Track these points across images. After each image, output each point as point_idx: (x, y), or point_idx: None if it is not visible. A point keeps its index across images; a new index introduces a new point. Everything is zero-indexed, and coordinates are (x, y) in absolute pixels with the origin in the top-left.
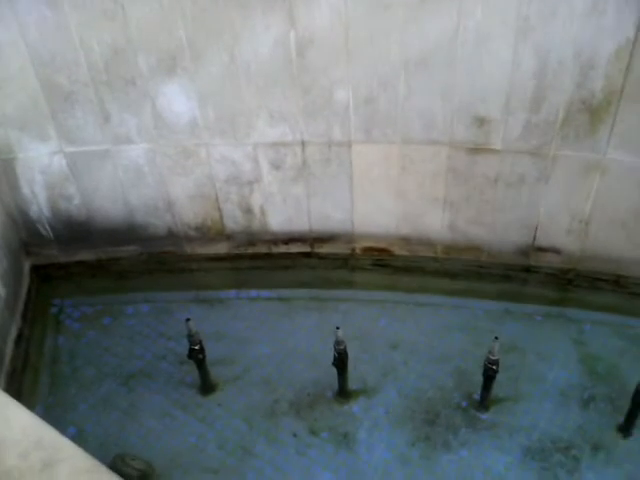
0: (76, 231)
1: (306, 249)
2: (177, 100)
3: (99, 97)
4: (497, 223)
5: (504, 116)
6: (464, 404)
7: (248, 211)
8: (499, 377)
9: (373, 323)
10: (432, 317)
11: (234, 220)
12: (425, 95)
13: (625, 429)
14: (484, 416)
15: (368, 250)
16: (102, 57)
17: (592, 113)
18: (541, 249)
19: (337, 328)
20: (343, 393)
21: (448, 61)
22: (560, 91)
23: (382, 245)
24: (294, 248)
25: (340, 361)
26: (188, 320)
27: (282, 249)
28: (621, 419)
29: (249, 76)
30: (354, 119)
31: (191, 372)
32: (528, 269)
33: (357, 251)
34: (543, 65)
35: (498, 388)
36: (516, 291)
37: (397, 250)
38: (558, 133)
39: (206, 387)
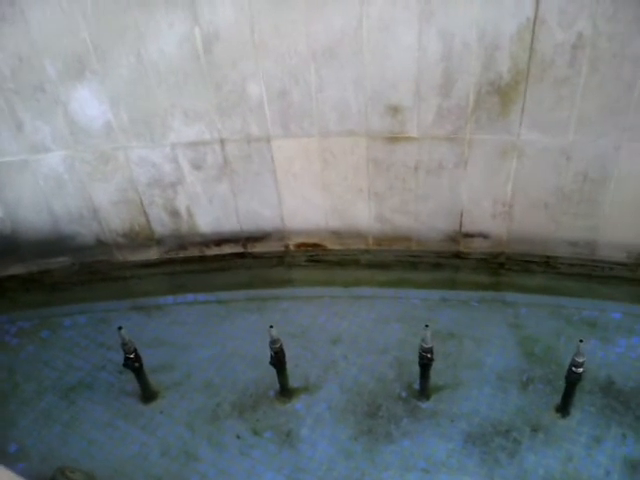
0: (3, 245)
1: (239, 249)
2: (89, 104)
3: (10, 106)
4: (422, 211)
5: (416, 103)
6: (404, 394)
7: (175, 214)
8: (438, 365)
9: (313, 320)
10: (370, 310)
11: (162, 224)
12: (337, 86)
13: (563, 409)
14: (425, 405)
15: (301, 246)
16: (7, 64)
17: (502, 95)
18: (469, 235)
19: (270, 327)
20: (284, 391)
21: (355, 50)
22: (468, 74)
23: (314, 240)
24: (227, 249)
25: (277, 360)
26: (120, 329)
27: (214, 251)
28: (559, 399)
29: (159, 75)
30: (270, 114)
31: (131, 381)
32: (459, 255)
33: (291, 248)
34: (449, 49)
35: (438, 376)
36: (450, 278)
37: (330, 244)
38: (471, 117)
39: (147, 395)
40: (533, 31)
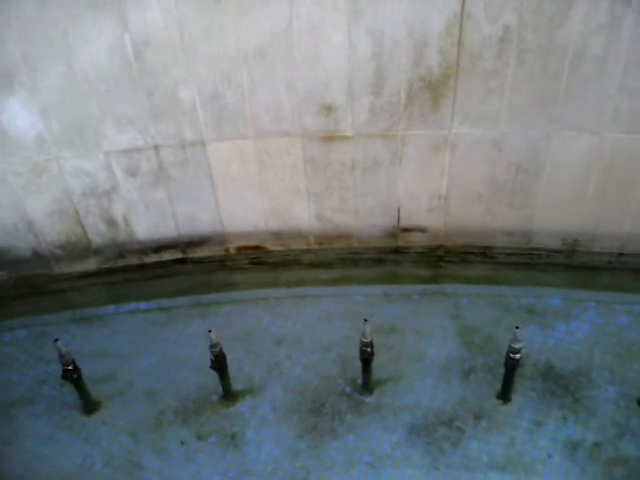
0: None
1: (178, 255)
2: (20, 116)
3: None
4: (361, 208)
5: (349, 101)
6: (348, 390)
7: (111, 222)
8: (381, 359)
9: (256, 322)
10: (313, 309)
11: (99, 233)
12: (270, 87)
13: (504, 395)
14: (368, 399)
15: (242, 249)
16: None
17: (433, 90)
18: (407, 229)
19: (209, 331)
20: (228, 395)
21: (286, 51)
22: (399, 71)
23: (255, 243)
24: (166, 255)
25: (218, 363)
26: (56, 341)
27: (154, 258)
28: (499, 386)
29: (90, 84)
30: (203, 117)
31: (73, 393)
32: (398, 250)
33: (231, 251)
34: (379, 47)
35: (381, 370)
36: (391, 273)
37: (270, 246)
38: (403, 113)
39: (89, 406)
40: (460, 26)
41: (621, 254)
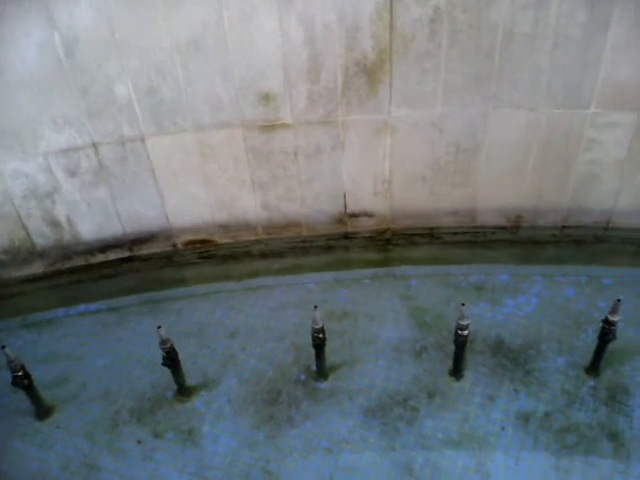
0: None
1: (125, 254)
2: None
3: None
4: (307, 196)
5: (287, 89)
6: (303, 377)
7: (55, 224)
8: (335, 344)
9: (209, 316)
10: (266, 299)
11: (42, 236)
12: (206, 78)
13: (456, 372)
14: (323, 385)
15: (190, 243)
16: None
17: (369, 74)
18: (354, 215)
19: (158, 327)
20: (182, 391)
21: (219, 41)
22: (333, 56)
23: (202, 236)
24: (112, 255)
25: (170, 360)
26: (3, 347)
27: (100, 258)
28: (451, 363)
29: (22, 85)
30: (140, 112)
31: (26, 399)
32: (347, 236)
33: (179, 246)
34: (311, 33)
35: (335, 355)
36: (341, 259)
37: (219, 239)
38: (341, 99)
39: (42, 411)
40: (391, 9)
41: (564, 227)
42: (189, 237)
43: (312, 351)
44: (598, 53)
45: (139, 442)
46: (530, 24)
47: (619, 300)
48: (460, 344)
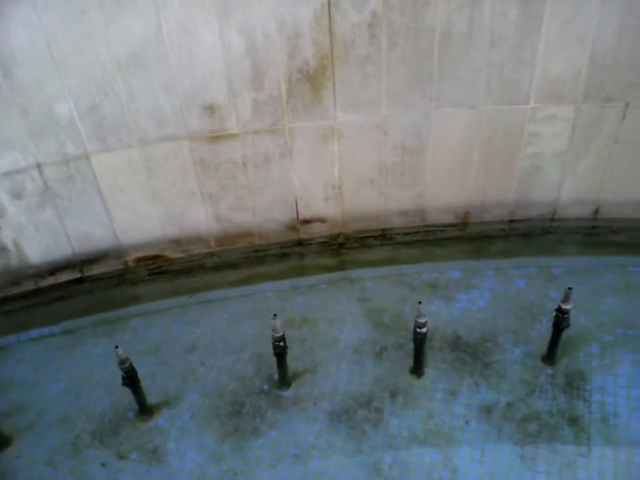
0: None
1: (76, 275)
2: None
3: None
4: (258, 205)
5: (231, 99)
6: (266, 387)
7: (1, 249)
8: (295, 352)
9: (165, 333)
10: (223, 311)
11: None
12: (148, 93)
13: (417, 370)
14: (287, 393)
15: (141, 260)
16: None
17: (312, 81)
18: (306, 221)
19: (116, 347)
20: (144, 410)
21: (160, 55)
22: (276, 65)
23: (154, 252)
24: (63, 277)
25: (129, 379)
26: None
27: (50, 281)
28: (412, 362)
29: None
30: (84, 130)
31: None
32: (301, 243)
33: (130, 264)
34: (252, 42)
35: (296, 362)
36: (297, 266)
37: (171, 253)
38: (287, 107)
39: (0, 442)
40: (329, 15)
41: (511, 221)
42: (140, 254)
43: (273, 360)
44: (533, 49)
45: (103, 465)
46: (466, 24)
47: (570, 288)
48: (419, 342)
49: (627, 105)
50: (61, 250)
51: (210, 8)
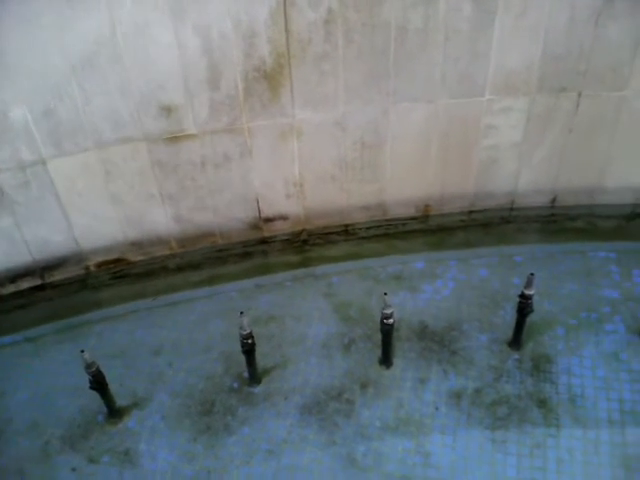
0: None
1: (37, 282)
2: None
3: None
4: (219, 205)
5: (188, 100)
6: (236, 385)
7: None
8: (264, 348)
9: (130, 336)
10: (188, 313)
11: None
12: (104, 95)
13: (386, 360)
14: (257, 390)
15: (103, 264)
16: None
17: (269, 79)
18: (269, 219)
19: (82, 351)
20: (113, 413)
21: (115, 56)
22: (232, 64)
23: (115, 256)
24: (24, 284)
25: (96, 383)
26: None
27: (10, 289)
28: (380, 353)
29: None
30: (39, 135)
31: None
32: (264, 241)
33: (92, 269)
34: (208, 42)
35: (265, 359)
36: (261, 264)
37: (132, 257)
38: (244, 106)
39: None
40: (285, 13)
41: (471, 212)
42: (101, 258)
43: (242, 358)
44: (487, 43)
45: (74, 469)
46: (421, 20)
47: (532, 274)
48: (386, 332)
49: (580, 94)
50: (20, 257)
51: (164, 8)
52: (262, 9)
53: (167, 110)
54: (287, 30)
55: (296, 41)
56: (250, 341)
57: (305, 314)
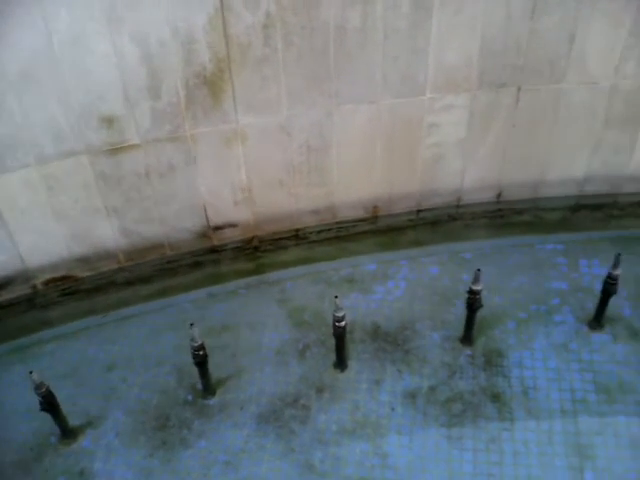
0: None
1: None
2: None
3: None
4: (166, 215)
5: (129, 110)
6: (190, 398)
7: None
8: (218, 359)
9: (82, 354)
10: (139, 327)
11: None
12: (43, 109)
13: (340, 364)
14: (212, 401)
15: (50, 282)
16: None
17: (210, 85)
18: (218, 227)
19: (30, 372)
20: (67, 433)
21: (53, 68)
22: (172, 71)
23: (62, 272)
24: None
25: (47, 404)
26: None
27: None
28: (334, 356)
29: None
30: None
31: None
32: (214, 250)
33: (39, 287)
34: (146, 50)
35: (219, 370)
36: (212, 274)
37: (80, 273)
38: (187, 113)
39: None
40: (223, 19)
41: (419, 211)
42: (48, 276)
43: (195, 370)
44: (426, 41)
45: None
46: (359, 19)
47: (479, 270)
48: (339, 336)
49: (519, 89)
50: None
51: (100, 18)
52: (200, 15)
53: (108, 121)
54: (226, 35)
55: (236, 46)
56: (202, 352)
57: (259, 322)
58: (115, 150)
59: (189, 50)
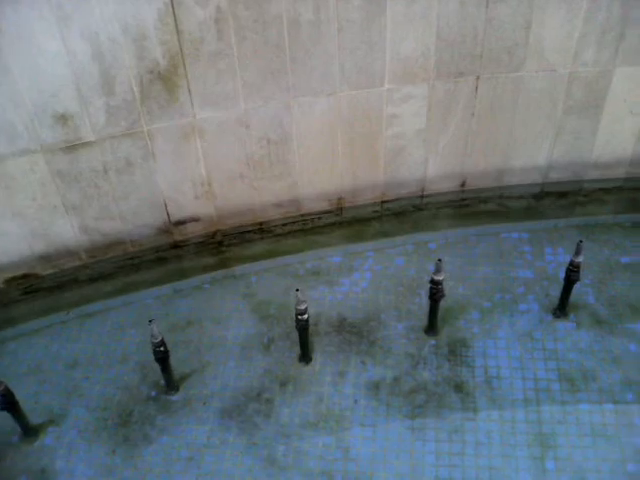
0: None
1: None
2: None
3: None
4: (125, 211)
5: (83, 107)
6: (153, 394)
7: None
8: (181, 354)
9: (45, 351)
10: (103, 324)
11: None
12: None
13: (305, 357)
14: (175, 397)
15: (11, 280)
16: None
17: (165, 81)
18: (180, 222)
19: None
20: (28, 431)
21: (2, 68)
22: (125, 68)
23: (23, 271)
24: None
25: (6, 403)
26: None
27: None
28: (298, 349)
29: None
30: None
31: None
32: (177, 245)
33: (0, 285)
34: (97, 48)
35: (183, 365)
36: (176, 269)
37: (41, 270)
38: (142, 109)
39: None
40: (174, 14)
41: (383, 202)
42: (9, 274)
43: (158, 366)
44: (381, 32)
45: None
46: (312, 11)
47: (440, 260)
48: (302, 328)
49: (478, 78)
50: None
51: (48, 17)
52: (150, 12)
53: (62, 119)
54: (178, 31)
55: (188, 41)
56: (163, 349)
57: (224, 316)
58: (71, 147)
59: (141, 46)
